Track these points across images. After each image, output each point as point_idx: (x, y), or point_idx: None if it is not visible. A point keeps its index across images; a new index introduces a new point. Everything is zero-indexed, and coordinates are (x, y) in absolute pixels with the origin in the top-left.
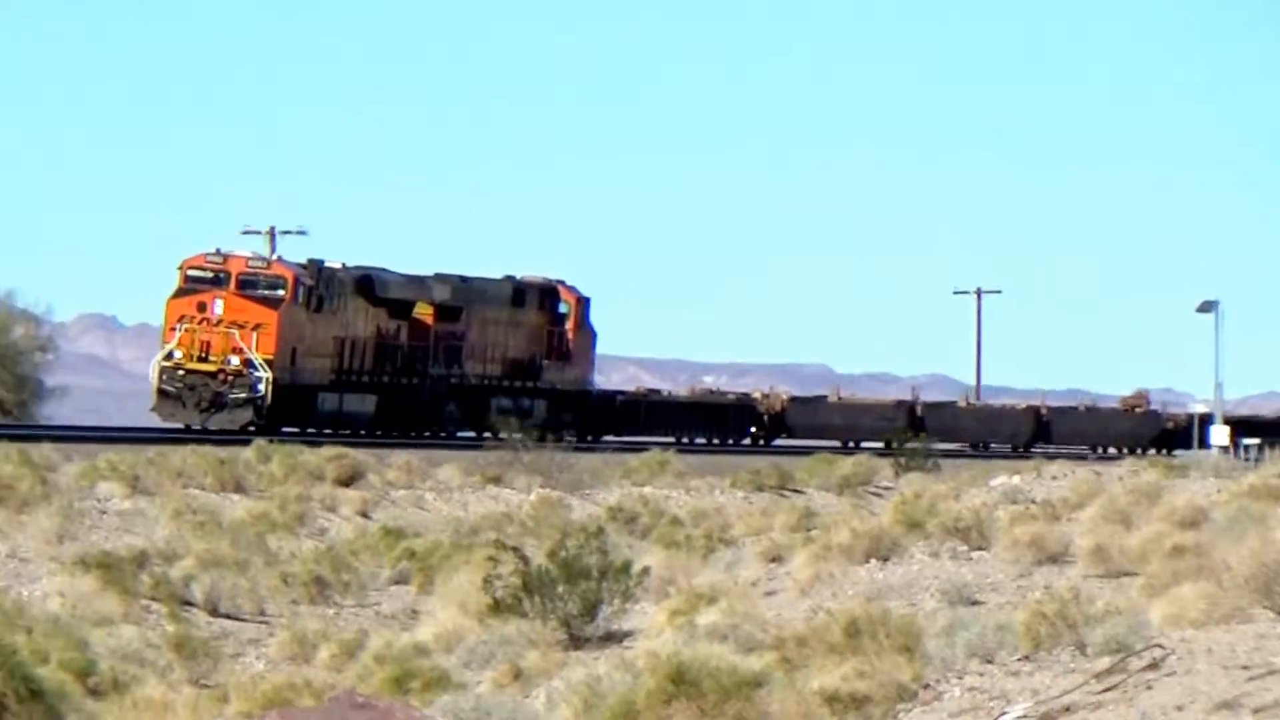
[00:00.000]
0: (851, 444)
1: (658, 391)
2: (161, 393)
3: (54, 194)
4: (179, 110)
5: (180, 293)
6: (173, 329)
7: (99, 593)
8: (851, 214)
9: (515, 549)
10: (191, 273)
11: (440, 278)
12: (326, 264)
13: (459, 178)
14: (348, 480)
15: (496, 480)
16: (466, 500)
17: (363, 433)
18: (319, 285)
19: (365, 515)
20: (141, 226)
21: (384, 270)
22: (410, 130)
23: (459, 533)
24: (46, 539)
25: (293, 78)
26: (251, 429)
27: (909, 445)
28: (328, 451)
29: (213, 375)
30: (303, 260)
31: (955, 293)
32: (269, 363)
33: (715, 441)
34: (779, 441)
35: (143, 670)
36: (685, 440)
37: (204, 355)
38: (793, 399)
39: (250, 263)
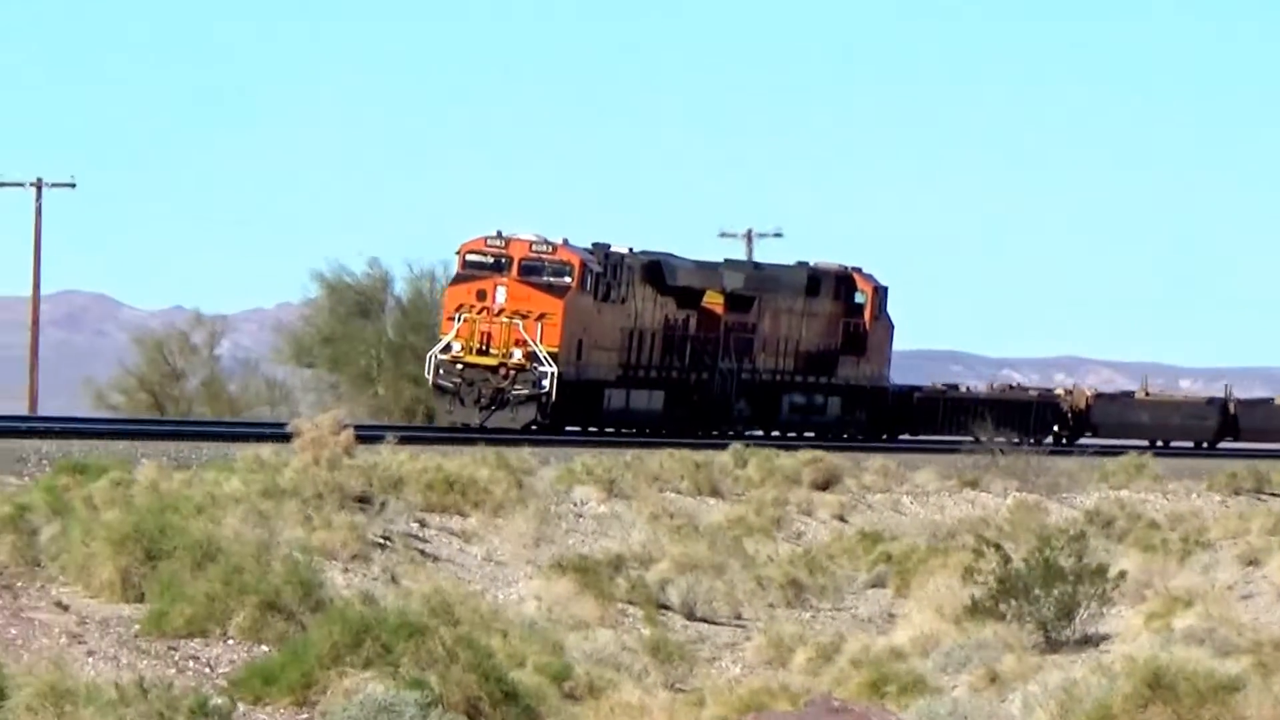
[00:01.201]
0: (1160, 444)
1: (955, 388)
2: (438, 388)
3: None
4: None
5: (458, 279)
6: (450, 319)
7: (575, 596)
8: None
9: (998, 546)
10: (470, 257)
11: (732, 264)
12: (613, 248)
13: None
14: (824, 484)
15: (973, 484)
16: (943, 504)
17: (647, 431)
18: (606, 272)
19: (842, 519)
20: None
21: (672, 256)
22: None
23: (935, 536)
24: (523, 542)
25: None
26: (534, 428)
27: None
28: (803, 455)
29: (493, 370)
30: (587, 245)
31: None
32: (554, 356)
33: (1015, 441)
34: (1084, 441)
35: (619, 674)
36: (982, 440)
37: (484, 348)
38: (1098, 395)
39: (534, 246)
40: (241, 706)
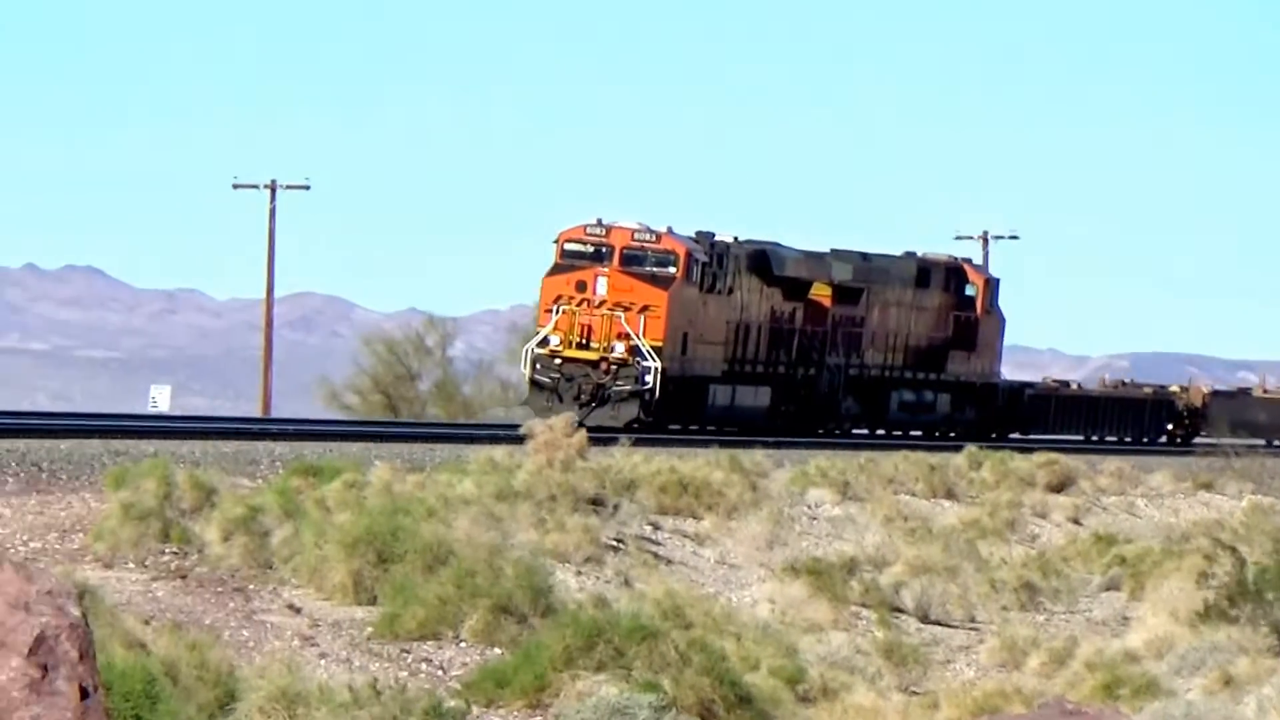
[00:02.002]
0: (1277, 443)
1: (1066, 384)
2: (535, 384)
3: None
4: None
5: (557, 269)
6: (548, 310)
7: (809, 599)
8: None
9: (1232, 549)
10: (569, 246)
11: (839, 254)
12: (717, 237)
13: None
14: (1059, 486)
15: (1208, 486)
16: (1177, 506)
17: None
18: (712, 262)
19: (1076, 521)
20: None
21: (779, 245)
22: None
23: (1170, 539)
24: (756, 545)
25: None
26: (635, 426)
27: None
28: (1038, 458)
29: (594, 364)
30: (691, 233)
31: None
32: (657, 350)
33: (1128, 440)
34: (1199, 440)
35: (852, 677)
36: (1095, 439)
37: (584, 341)
38: (1214, 393)
39: (636, 235)
40: (475, 709)
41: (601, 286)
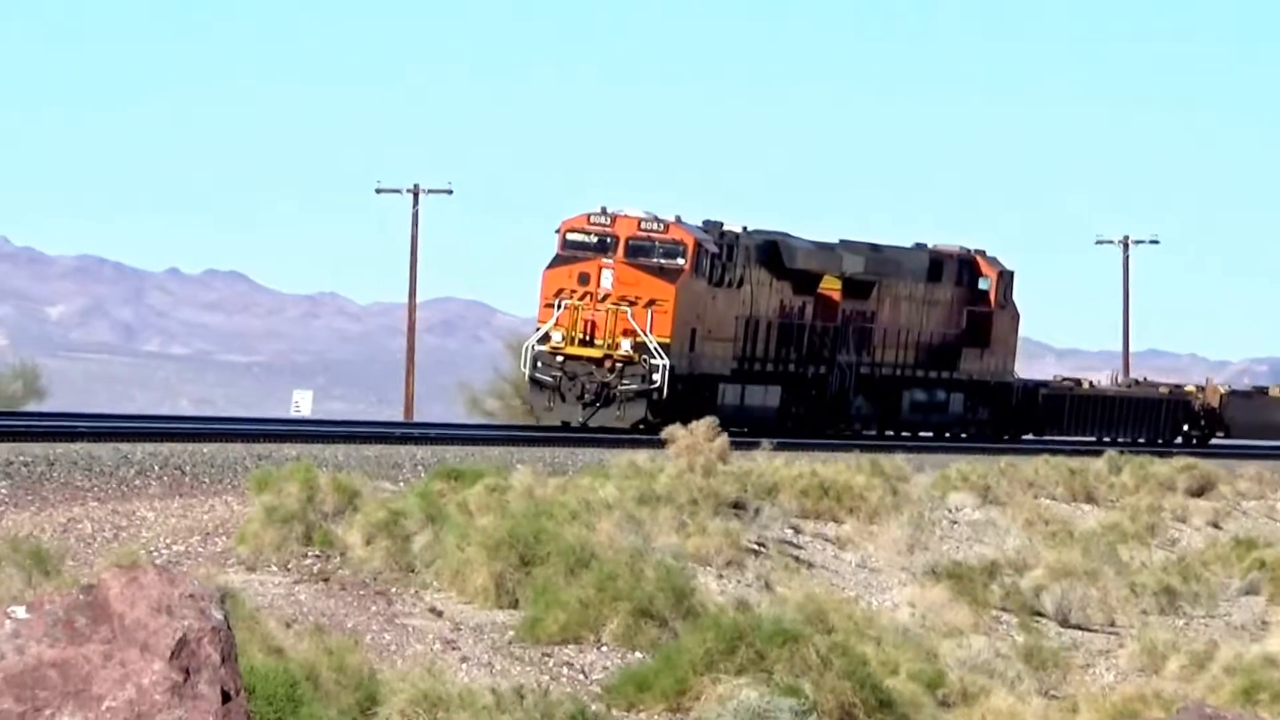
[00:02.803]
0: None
1: (1078, 383)
2: (535, 382)
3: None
4: None
5: (558, 261)
6: (549, 305)
7: (949, 603)
8: None
9: None
10: (572, 236)
11: (849, 246)
12: (726, 227)
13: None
14: (1198, 491)
15: None
16: None
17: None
18: (722, 253)
19: (1216, 525)
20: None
21: (789, 235)
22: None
23: None
24: (897, 549)
25: None
26: (641, 428)
27: None
28: (1177, 462)
29: (598, 362)
30: (698, 222)
31: None
32: (665, 348)
33: (1141, 441)
34: (1216, 441)
35: (991, 681)
36: (1108, 439)
37: (588, 338)
38: (1231, 393)
39: (643, 225)
40: (616, 712)
41: (606, 279)
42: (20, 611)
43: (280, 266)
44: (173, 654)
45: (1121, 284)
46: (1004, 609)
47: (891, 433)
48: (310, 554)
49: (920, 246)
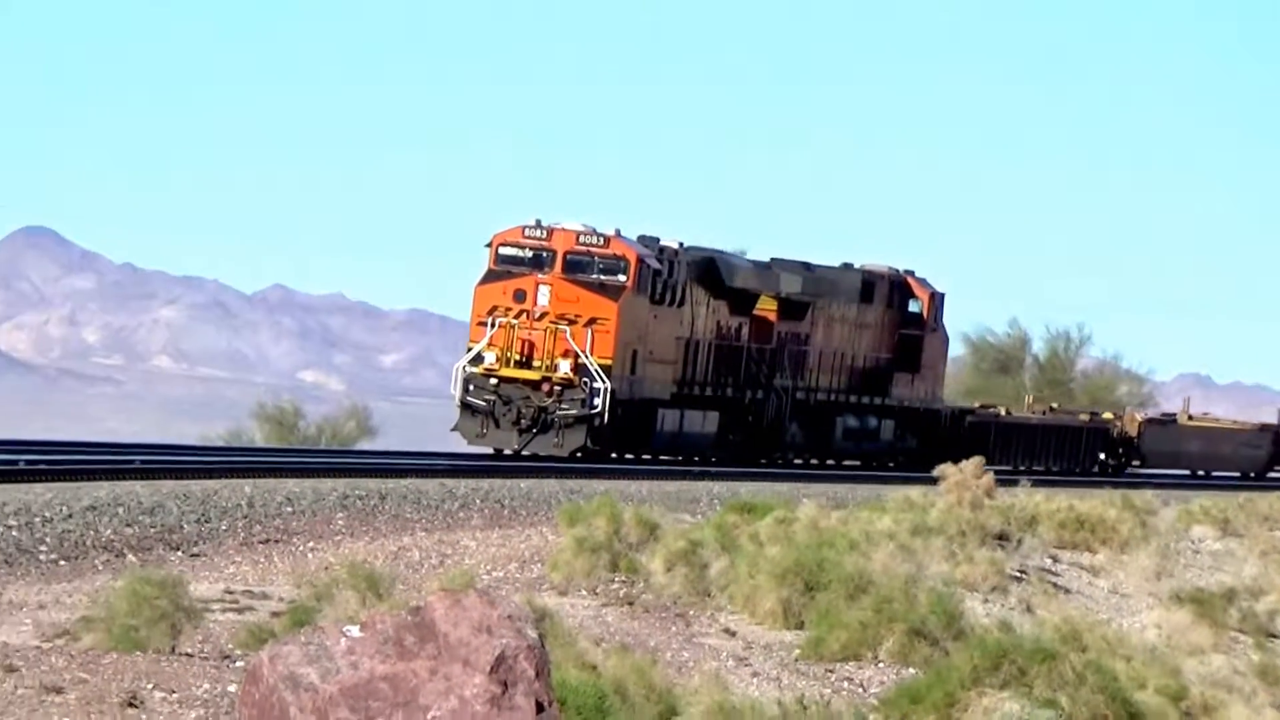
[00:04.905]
0: (1202, 474)
1: (1008, 412)
2: (466, 406)
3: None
4: None
5: (491, 276)
6: (481, 324)
7: (1191, 625)
8: None
9: None
10: (505, 250)
11: (784, 265)
12: (663, 243)
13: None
14: None
15: None
16: None
17: (697, 459)
18: (663, 270)
19: None
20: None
21: (725, 253)
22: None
23: None
24: (1145, 576)
25: None
26: (579, 456)
27: None
28: None
29: (535, 385)
30: (636, 238)
31: None
32: (606, 370)
33: (1056, 470)
34: (1132, 470)
35: (1230, 695)
36: (1030, 466)
37: (524, 359)
38: (1149, 421)
39: (582, 238)
40: None
41: (543, 296)
42: (355, 630)
43: None
44: (492, 669)
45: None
46: (1241, 630)
47: (831, 461)
48: (616, 580)
49: (848, 266)
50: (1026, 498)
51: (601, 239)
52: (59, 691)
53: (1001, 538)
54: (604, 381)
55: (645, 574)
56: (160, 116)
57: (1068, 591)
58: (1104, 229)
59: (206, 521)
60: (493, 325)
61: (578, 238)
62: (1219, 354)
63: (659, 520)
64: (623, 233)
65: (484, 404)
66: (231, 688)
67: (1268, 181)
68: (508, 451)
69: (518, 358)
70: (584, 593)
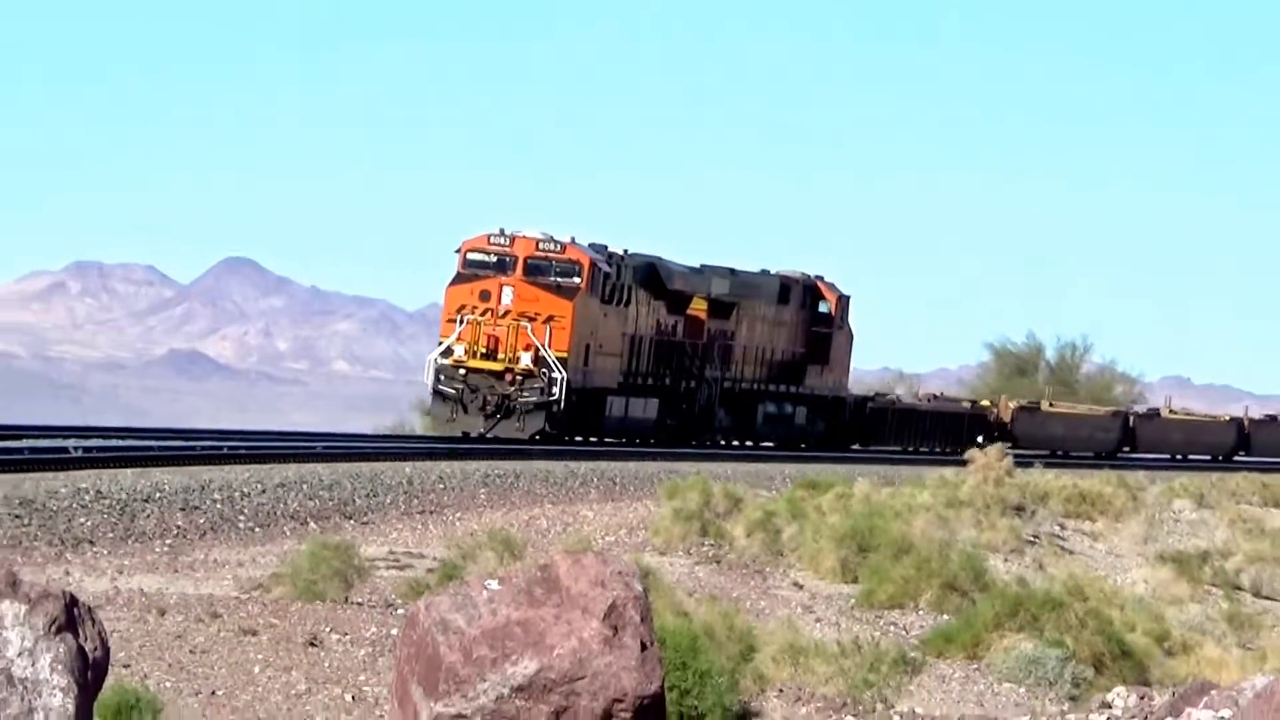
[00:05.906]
0: (1060, 454)
1: (901, 399)
2: (438, 394)
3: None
4: None
5: (460, 279)
6: (451, 320)
7: (1173, 581)
8: None
9: None
10: (472, 256)
11: (713, 270)
12: (611, 249)
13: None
14: None
15: None
16: None
17: (638, 442)
18: (613, 273)
19: None
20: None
21: (663, 259)
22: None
23: None
24: (1135, 540)
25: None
26: (537, 438)
27: None
28: None
29: (499, 375)
30: (588, 244)
31: None
32: (563, 361)
33: (945, 451)
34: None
35: (1203, 637)
36: (917, 450)
37: (489, 351)
38: (1020, 408)
39: (541, 245)
40: (928, 659)
41: (507, 296)
42: (494, 584)
43: None
44: (605, 615)
45: None
46: (1213, 585)
47: (750, 443)
48: (706, 543)
49: (766, 272)
50: (1039, 476)
51: (559, 245)
52: (254, 633)
53: (1019, 509)
54: (561, 372)
55: (730, 538)
56: (341, 160)
57: (1072, 553)
58: (1110, 249)
59: (374, 496)
60: (461, 322)
61: (537, 244)
62: (1197, 358)
63: (742, 494)
64: (577, 240)
65: (454, 392)
66: (393, 631)
67: (1228, 206)
68: (474, 435)
69: (484, 351)
70: (680, 554)
